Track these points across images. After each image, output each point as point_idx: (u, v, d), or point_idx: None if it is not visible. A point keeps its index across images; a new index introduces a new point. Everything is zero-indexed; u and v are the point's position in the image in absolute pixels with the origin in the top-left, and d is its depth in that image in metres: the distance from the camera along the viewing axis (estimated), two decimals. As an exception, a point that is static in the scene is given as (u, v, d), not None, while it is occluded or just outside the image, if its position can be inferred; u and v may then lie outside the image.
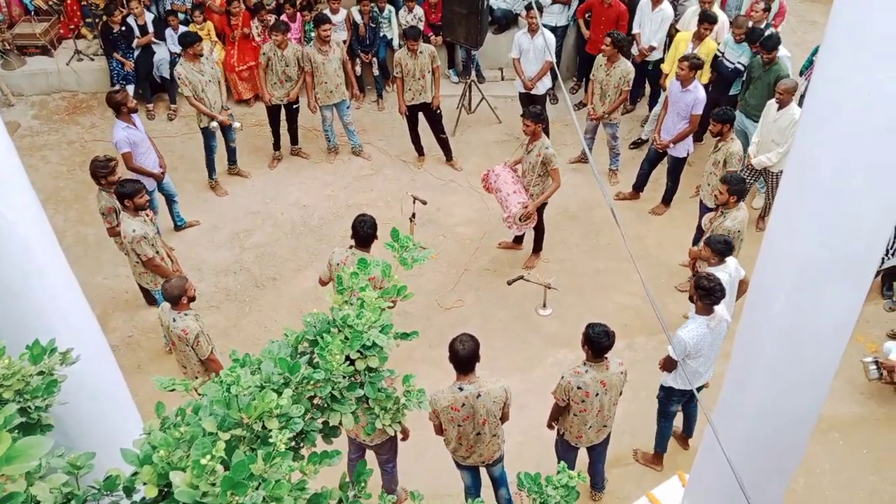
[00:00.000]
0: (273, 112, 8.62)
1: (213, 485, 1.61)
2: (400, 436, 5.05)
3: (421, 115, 8.55)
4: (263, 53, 8.29)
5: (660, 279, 7.27)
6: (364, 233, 5.51)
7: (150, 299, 6.99)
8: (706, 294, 4.85)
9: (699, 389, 5.38)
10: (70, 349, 2.18)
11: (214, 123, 7.93)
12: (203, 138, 8.16)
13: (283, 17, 9.41)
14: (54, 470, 1.98)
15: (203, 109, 7.81)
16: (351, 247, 5.61)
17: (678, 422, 5.77)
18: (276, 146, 8.91)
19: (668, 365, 5.15)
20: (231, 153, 8.58)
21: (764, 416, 3.48)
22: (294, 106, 8.61)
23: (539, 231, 7.35)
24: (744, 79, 8.12)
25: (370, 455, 5.15)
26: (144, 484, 1.83)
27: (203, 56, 7.81)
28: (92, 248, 7.70)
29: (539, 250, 7.50)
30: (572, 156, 8.91)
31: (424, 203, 7.19)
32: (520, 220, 6.78)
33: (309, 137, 9.30)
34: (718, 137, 6.69)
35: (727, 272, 5.42)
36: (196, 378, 5.19)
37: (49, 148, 9.24)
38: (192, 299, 5.29)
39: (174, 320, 5.16)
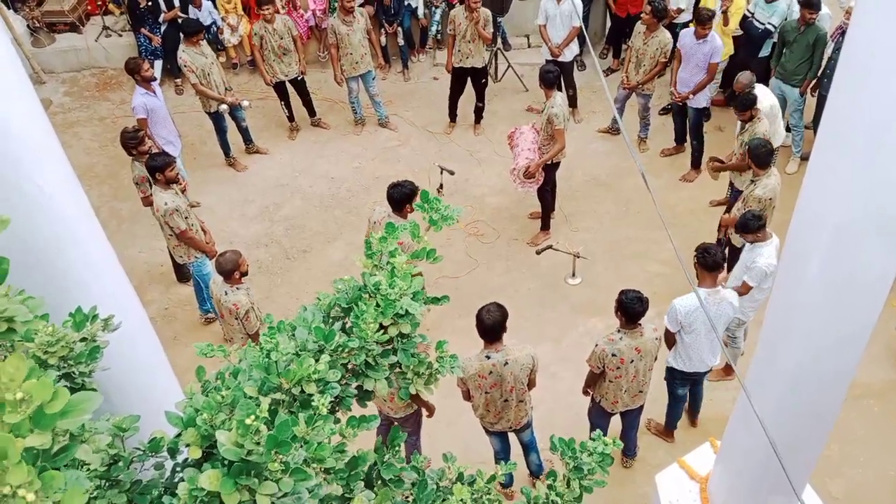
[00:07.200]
0: (279, 88, 8.56)
1: (258, 444, 1.66)
2: (425, 412, 5.13)
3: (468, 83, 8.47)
4: (255, 34, 8.18)
5: (691, 247, 7.15)
6: (397, 197, 5.59)
7: (181, 276, 7.09)
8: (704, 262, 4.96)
9: (704, 374, 5.35)
10: (111, 315, 2.24)
11: (224, 106, 7.90)
12: (213, 122, 8.14)
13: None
14: (100, 433, 2.04)
15: (211, 94, 7.75)
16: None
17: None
18: (291, 118, 8.90)
19: (668, 339, 5.12)
20: (245, 133, 8.53)
21: (797, 380, 3.45)
22: (299, 78, 8.53)
23: (545, 208, 7.32)
24: (775, 41, 7.94)
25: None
26: (188, 446, 1.88)
27: (203, 40, 7.77)
28: (126, 223, 7.82)
29: (546, 228, 7.44)
30: (602, 124, 8.81)
31: (452, 173, 7.17)
32: (524, 175, 6.79)
33: (335, 109, 9.30)
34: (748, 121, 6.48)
35: (774, 245, 5.36)
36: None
37: (81, 124, 9.36)
38: (245, 273, 5.33)
39: (226, 293, 5.25)
